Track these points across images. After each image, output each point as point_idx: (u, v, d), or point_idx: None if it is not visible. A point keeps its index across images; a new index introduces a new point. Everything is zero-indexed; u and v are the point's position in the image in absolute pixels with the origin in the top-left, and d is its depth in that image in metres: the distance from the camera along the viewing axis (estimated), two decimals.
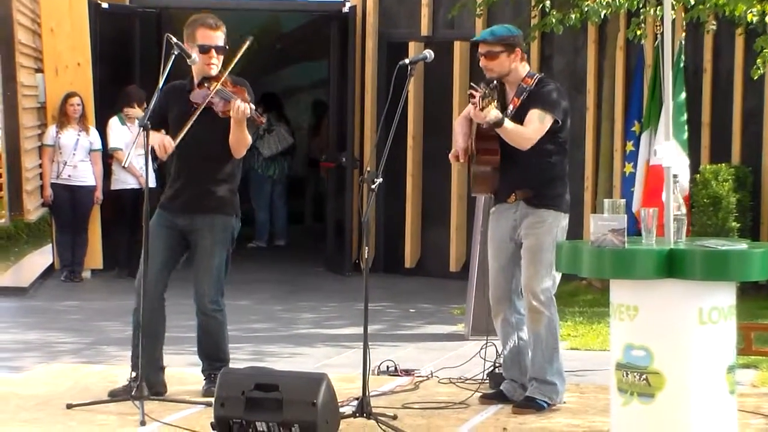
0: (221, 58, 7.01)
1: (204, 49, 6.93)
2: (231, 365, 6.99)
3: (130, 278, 12.22)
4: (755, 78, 10.58)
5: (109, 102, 12.71)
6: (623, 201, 5.84)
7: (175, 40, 6.79)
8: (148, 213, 6.78)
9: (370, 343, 6.40)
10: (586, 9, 10.63)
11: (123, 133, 12.48)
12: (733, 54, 11.76)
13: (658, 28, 11.01)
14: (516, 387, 6.87)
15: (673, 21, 10.15)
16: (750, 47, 11.05)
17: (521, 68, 6.83)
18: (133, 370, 6.86)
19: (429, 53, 6.85)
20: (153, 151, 6.97)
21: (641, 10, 10.88)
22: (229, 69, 7.02)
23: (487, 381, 7.22)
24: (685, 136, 11.09)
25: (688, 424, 5.48)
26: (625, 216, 5.62)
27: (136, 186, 12.42)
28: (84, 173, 12.46)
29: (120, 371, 7.53)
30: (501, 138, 6.67)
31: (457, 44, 12.60)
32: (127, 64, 13.30)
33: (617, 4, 10.52)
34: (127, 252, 12.56)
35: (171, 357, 7.38)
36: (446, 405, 6.86)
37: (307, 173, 17.18)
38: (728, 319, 5.55)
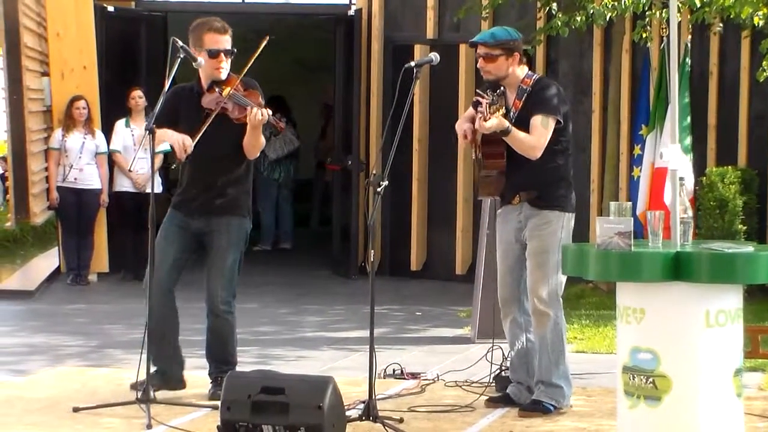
0: (230, 61, 7.00)
1: (213, 54, 6.92)
2: (237, 368, 6.99)
3: (136, 281, 12.25)
4: (761, 81, 10.57)
5: (114, 105, 12.72)
6: (629, 204, 5.84)
7: (180, 43, 6.79)
8: (154, 217, 6.76)
9: (376, 346, 6.40)
10: (591, 12, 10.62)
11: (126, 136, 12.51)
12: (739, 57, 11.75)
13: (664, 30, 11.00)
14: (522, 389, 6.86)
15: (679, 23, 10.13)
16: (756, 50, 11.05)
17: (519, 71, 6.82)
18: (154, 365, 6.82)
19: (435, 56, 6.85)
20: (172, 150, 6.93)
21: (647, 13, 10.88)
22: (244, 71, 6.99)
23: (494, 384, 7.21)
24: (688, 140, 11.06)
25: (695, 428, 5.47)
26: (632, 219, 5.62)
27: (134, 190, 12.44)
28: (90, 176, 12.48)
29: (126, 374, 7.52)
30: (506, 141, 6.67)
31: (462, 47, 12.60)
32: (133, 67, 13.32)
33: (623, 6, 10.52)
34: (133, 255, 12.57)
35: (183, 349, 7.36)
36: (452, 408, 6.85)
37: (314, 176, 17.18)
38: (735, 322, 5.54)
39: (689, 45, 11.22)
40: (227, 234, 6.99)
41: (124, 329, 9.79)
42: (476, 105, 6.74)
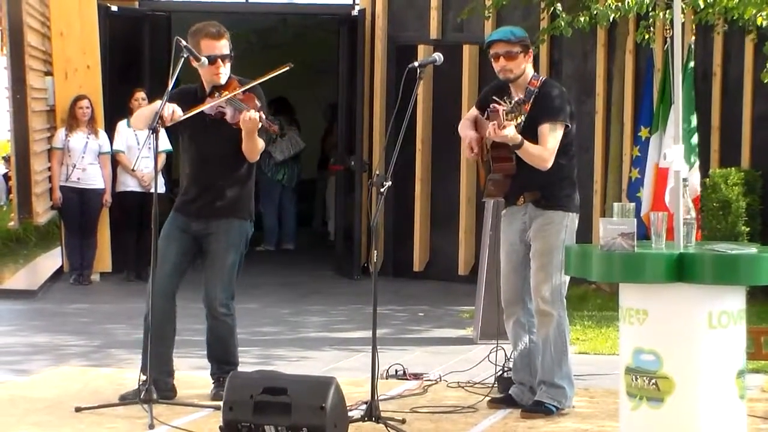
0: (228, 65, 6.99)
1: (210, 60, 6.91)
2: (239, 369, 6.99)
3: (138, 281, 12.28)
4: (765, 81, 10.57)
5: (117, 105, 12.72)
6: (633, 205, 5.84)
7: (184, 43, 6.78)
8: (156, 217, 6.77)
9: (378, 347, 6.39)
10: (595, 12, 10.61)
11: (128, 136, 12.51)
12: (742, 58, 11.74)
13: (668, 31, 10.99)
14: (525, 390, 6.85)
15: (683, 24, 10.13)
16: (760, 51, 11.05)
17: (529, 70, 6.83)
18: (143, 374, 6.84)
19: (438, 56, 6.84)
20: (160, 118, 6.88)
21: (650, 14, 10.87)
22: (253, 84, 6.95)
23: (496, 385, 7.21)
24: (695, 139, 11.05)
25: (697, 429, 5.47)
26: (635, 220, 5.61)
27: (137, 189, 12.46)
28: (93, 176, 12.48)
29: (129, 374, 7.53)
30: None
31: (466, 47, 12.59)
32: (137, 67, 13.31)
33: (626, 7, 10.50)
34: (135, 255, 12.58)
35: (180, 360, 7.37)
36: (455, 409, 6.85)
37: (317, 177, 17.18)
38: (738, 324, 5.54)
39: (693, 46, 11.21)
40: (226, 236, 6.98)
41: (127, 329, 9.79)
42: (490, 111, 6.70)
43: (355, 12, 13.30)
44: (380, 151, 12.63)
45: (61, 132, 12.51)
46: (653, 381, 5.48)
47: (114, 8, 13.17)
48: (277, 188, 15.56)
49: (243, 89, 6.86)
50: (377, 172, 6.62)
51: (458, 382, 7.51)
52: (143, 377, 6.81)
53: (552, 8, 11.09)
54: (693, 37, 11.25)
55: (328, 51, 15.02)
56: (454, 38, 12.81)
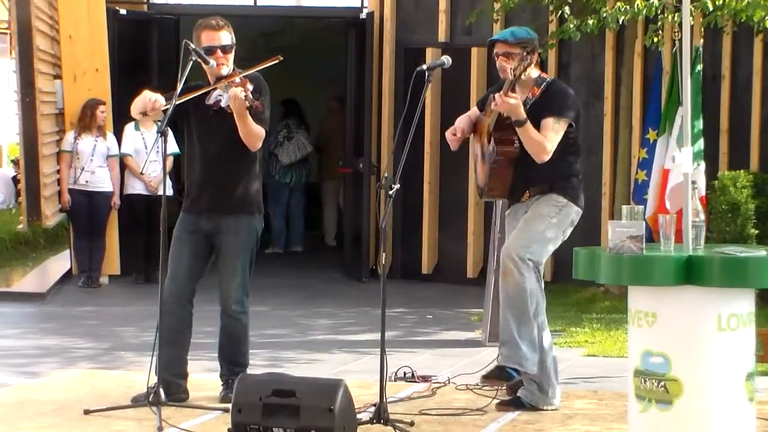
0: (229, 56, 6.99)
1: (209, 50, 6.92)
2: (248, 371, 6.99)
3: (147, 283, 12.29)
4: None
5: (126, 108, 12.71)
6: (641, 207, 5.83)
7: (192, 46, 6.80)
8: (165, 218, 6.77)
9: (387, 350, 6.39)
10: (604, 15, 10.61)
11: (136, 139, 12.53)
12: (751, 60, 11.73)
13: (676, 34, 10.98)
14: (534, 390, 6.82)
15: (692, 27, 10.13)
16: None
17: (533, 72, 6.81)
18: (157, 374, 6.82)
19: (446, 59, 6.84)
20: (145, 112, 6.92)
21: (659, 17, 10.86)
22: (249, 72, 6.95)
23: (505, 388, 7.19)
24: (701, 143, 11.03)
25: None
26: (643, 222, 5.61)
27: (145, 192, 12.47)
28: (101, 179, 12.51)
29: (137, 377, 7.53)
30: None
31: (474, 50, 12.60)
32: (145, 70, 13.33)
33: (635, 10, 10.50)
34: (144, 257, 12.60)
35: (189, 363, 7.35)
36: (463, 412, 6.84)
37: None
38: (747, 326, 5.53)
39: (701, 49, 11.19)
40: (236, 234, 6.99)
41: (136, 332, 9.80)
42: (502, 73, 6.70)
43: (363, 15, 13.30)
44: (389, 153, 12.63)
45: (70, 135, 12.54)
46: (662, 384, 5.47)
47: (122, 11, 13.18)
48: (285, 191, 15.57)
49: (241, 75, 6.84)
50: (386, 175, 6.61)
51: (467, 385, 7.50)
52: (158, 378, 6.80)
53: (560, 11, 11.08)
54: (702, 40, 11.24)
55: (336, 54, 15.02)
56: (462, 41, 12.81)
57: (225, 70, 6.95)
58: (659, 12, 10.73)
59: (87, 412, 6.69)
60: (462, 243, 12.86)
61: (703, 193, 10.76)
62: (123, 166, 12.65)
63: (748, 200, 10.93)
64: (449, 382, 7.65)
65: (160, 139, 6.76)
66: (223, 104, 6.85)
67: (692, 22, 10.69)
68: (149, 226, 12.38)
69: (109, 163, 12.55)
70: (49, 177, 12.78)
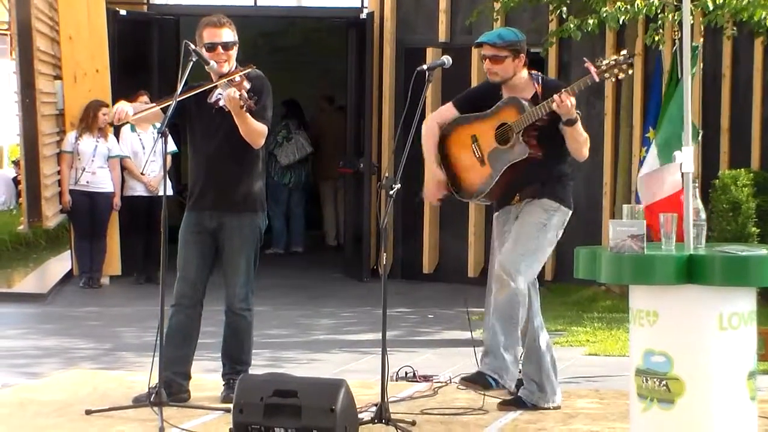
0: (231, 54, 6.98)
1: (210, 47, 6.92)
2: (250, 371, 6.99)
3: (148, 284, 12.29)
4: None
5: None
6: (642, 206, 5.83)
7: (193, 46, 6.79)
8: (166, 219, 6.77)
9: (388, 349, 6.38)
10: (604, 15, 10.60)
11: (133, 141, 12.54)
12: (752, 59, 11.73)
13: (676, 33, 10.97)
14: (534, 390, 6.82)
15: (692, 26, 10.12)
16: None
17: (523, 73, 6.80)
18: (160, 374, 6.82)
19: (447, 59, 6.85)
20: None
21: (659, 16, 10.86)
22: (245, 71, 6.94)
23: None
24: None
25: (708, 431, 5.46)
26: (644, 221, 5.61)
27: (145, 193, 12.48)
28: (102, 179, 12.51)
29: (139, 377, 7.54)
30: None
31: (474, 50, 12.54)
32: (145, 71, 13.33)
33: (636, 9, 10.50)
34: (145, 258, 12.60)
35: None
36: (465, 411, 6.84)
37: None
38: (748, 325, 5.53)
39: (700, 48, 11.18)
40: (240, 232, 6.99)
41: (137, 332, 9.80)
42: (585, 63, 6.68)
43: (363, 15, 13.31)
44: (389, 153, 12.63)
45: (70, 135, 12.54)
46: (664, 382, 5.47)
47: (122, 12, 13.19)
48: (284, 192, 15.56)
49: (240, 74, 6.84)
50: (386, 175, 6.61)
51: None
52: (159, 378, 6.80)
53: (560, 11, 11.08)
54: (701, 39, 11.22)
55: (336, 54, 15.02)
56: (462, 41, 12.79)
57: (226, 68, 6.95)
58: (659, 11, 10.73)
59: (88, 412, 6.69)
60: (463, 242, 12.85)
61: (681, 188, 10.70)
62: (122, 168, 12.64)
63: (749, 199, 10.93)
64: (451, 382, 7.64)
65: (159, 139, 6.75)
66: (221, 103, 6.86)
67: (692, 22, 10.70)
68: (149, 227, 12.38)
69: (110, 164, 12.54)
70: (49, 178, 12.79)
